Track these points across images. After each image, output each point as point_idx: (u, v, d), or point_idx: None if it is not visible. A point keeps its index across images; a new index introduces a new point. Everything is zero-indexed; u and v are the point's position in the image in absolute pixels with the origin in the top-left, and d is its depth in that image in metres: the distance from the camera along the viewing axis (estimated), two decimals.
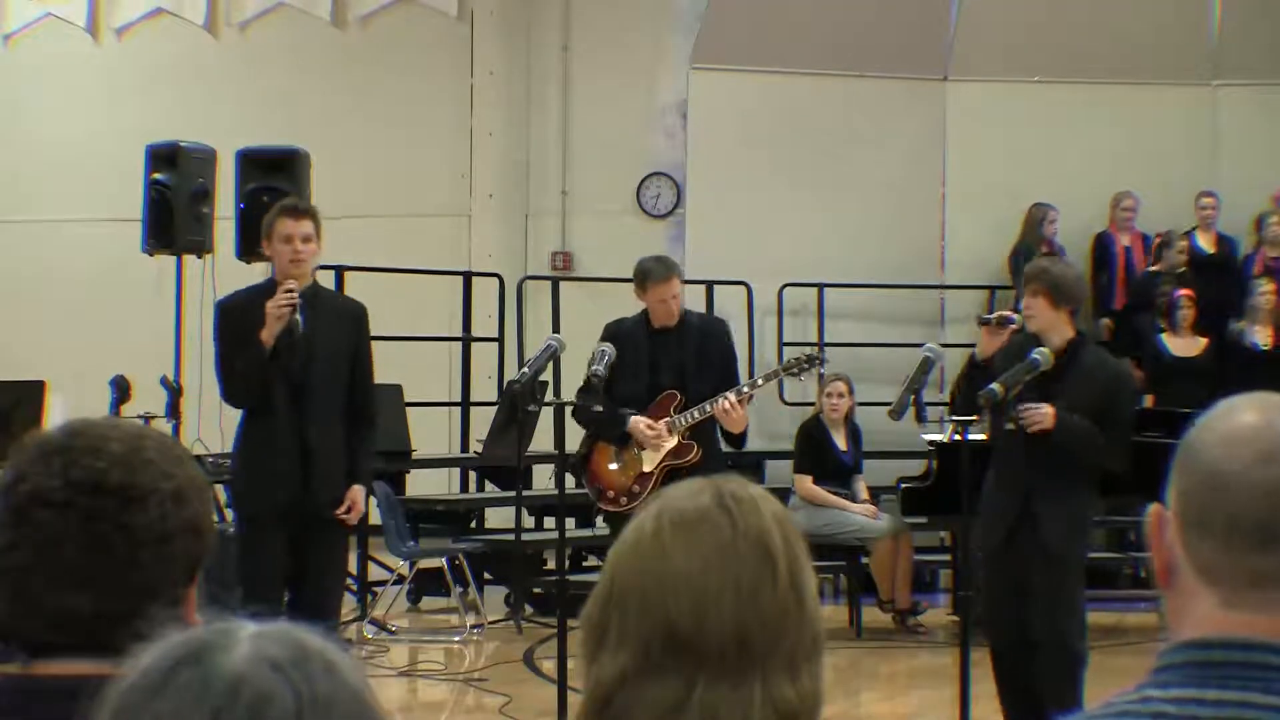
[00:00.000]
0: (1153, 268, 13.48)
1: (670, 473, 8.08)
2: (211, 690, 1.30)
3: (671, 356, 8.17)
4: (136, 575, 1.97)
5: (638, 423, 8.13)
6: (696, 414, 8.09)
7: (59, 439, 2.01)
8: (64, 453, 1.98)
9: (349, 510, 7.33)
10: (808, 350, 8.96)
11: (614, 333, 8.22)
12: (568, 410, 7.45)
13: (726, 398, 8.00)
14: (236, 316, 7.36)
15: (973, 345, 7.47)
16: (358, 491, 7.38)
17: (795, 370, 8.66)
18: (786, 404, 13.35)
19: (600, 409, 7.92)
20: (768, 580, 1.71)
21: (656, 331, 8.18)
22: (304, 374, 7.30)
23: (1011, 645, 7.11)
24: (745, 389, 8.16)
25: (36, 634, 1.95)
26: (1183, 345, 12.73)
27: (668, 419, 8.14)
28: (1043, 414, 6.96)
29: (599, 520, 12.66)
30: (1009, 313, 7.40)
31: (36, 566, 1.96)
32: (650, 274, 8.18)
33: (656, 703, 1.68)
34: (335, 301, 7.83)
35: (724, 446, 8.43)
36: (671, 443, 8.16)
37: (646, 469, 8.20)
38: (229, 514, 7.84)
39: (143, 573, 1.97)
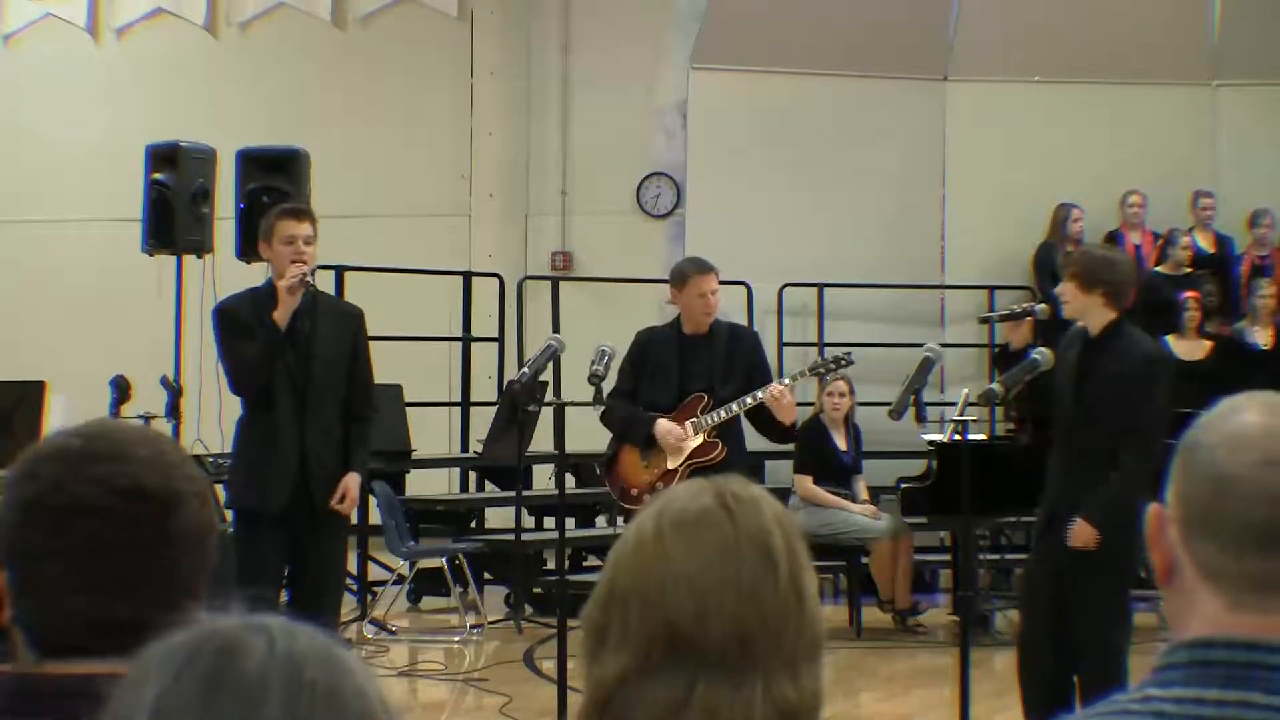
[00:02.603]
0: (1159, 268, 13.48)
1: (694, 471, 8.14)
2: (187, 643, 1.32)
3: (701, 362, 8.25)
4: (176, 578, 1.98)
5: (662, 425, 8.21)
6: (722, 413, 8.18)
7: (84, 445, 2.00)
8: (96, 459, 1.98)
9: (343, 499, 7.35)
10: (837, 351, 9.06)
11: (646, 339, 8.38)
12: (568, 410, 7.46)
13: (776, 384, 8.08)
14: (236, 316, 7.39)
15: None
16: (352, 479, 7.40)
17: (823, 371, 8.88)
18: None
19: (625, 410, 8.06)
20: (769, 580, 1.71)
21: (688, 338, 8.26)
22: (305, 376, 7.34)
23: (1039, 648, 6.96)
24: (787, 380, 8.26)
25: (74, 640, 1.95)
26: (1187, 348, 12.57)
27: (693, 419, 8.22)
28: (1081, 535, 6.76)
29: (601, 520, 12.72)
30: (1027, 304, 7.42)
31: (76, 575, 1.95)
32: (688, 269, 8.32)
33: (657, 703, 1.68)
34: (333, 304, 7.87)
35: (771, 442, 8.55)
36: (696, 442, 8.24)
37: (671, 467, 8.27)
38: (228, 514, 7.84)
39: (181, 575, 1.98)
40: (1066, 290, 6.95)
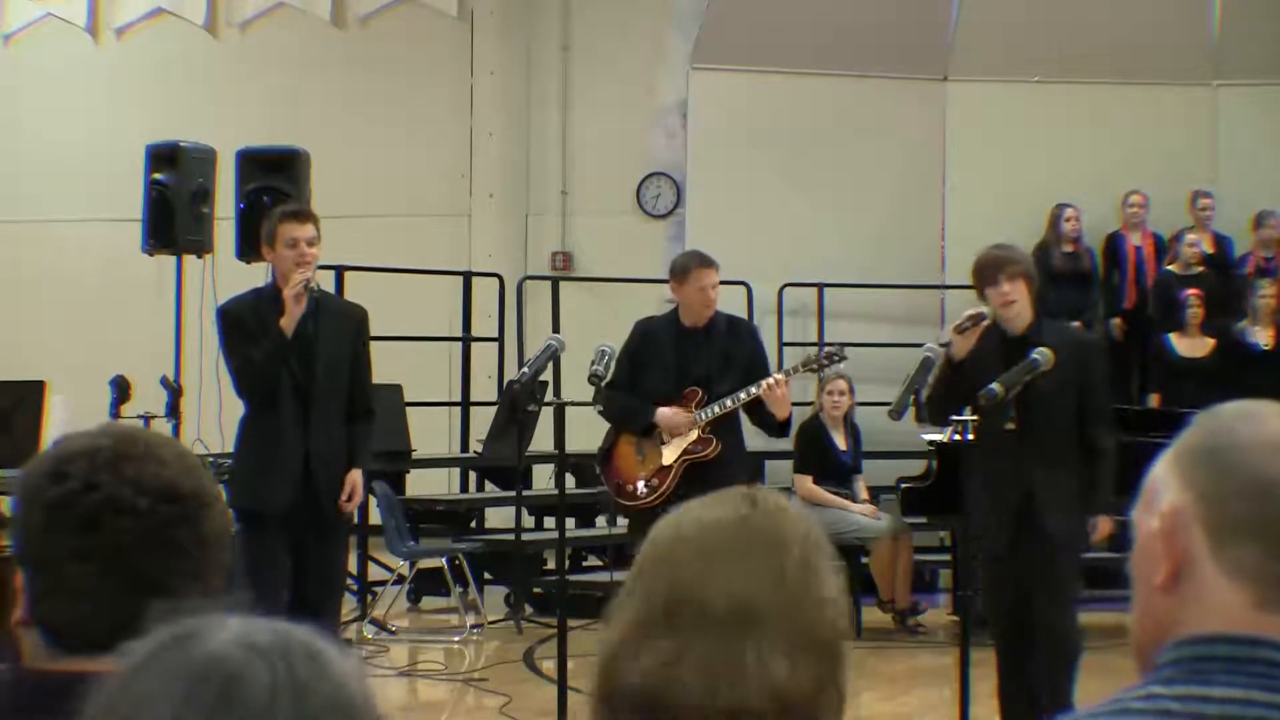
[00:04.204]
0: (1169, 266, 13.50)
1: (690, 467, 8.20)
2: (188, 670, 1.30)
3: (699, 355, 8.30)
4: (204, 578, 2.00)
5: (664, 411, 8.26)
6: (716, 409, 8.21)
7: (113, 446, 2.00)
8: (128, 460, 1.98)
9: (350, 497, 7.35)
10: (829, 347, 9.08)
11: (644, 330, 8.44)
12: (568, 410, 7.47)
13: (764, 382, 8.11)
14: (241, 317, 7.38)
15: None
16: (356, 475, 7.42)
17: (816, 367, 8.89)
18: None
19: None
20: (778, 561, 1.73)
21: (685, 330, 8.28)
22: (308, 377, 7.33)
23: (1015, 645, 7.10)
24: (780, 376, 8.29)
25: (98, 639, 1.95)
26: (1190, 345, 12.71)
27: (690, 414, 8.25)
28: (1105, 530, 7.17)
29: (601, 520, 12.71)
30: (978, 310, 7.42)
31: (107, 576, 1.96)
32: (690, 263, 8.39)
33: (653, 657, 1.68)
34: (336, 305, 7.87)
35: (766, 437, 8.60)
36: (691, 437, 8.27)
37: (666, 462, 8.31)
38: (230, 515, 7.85)
39: (209, 576, 2.01)
40: (1016, 290, 7.08)
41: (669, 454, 8.34)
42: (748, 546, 1.73)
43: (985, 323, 7.23)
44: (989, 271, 7.16)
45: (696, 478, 8.18)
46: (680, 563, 1.72)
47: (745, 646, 1.68)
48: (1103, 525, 7.18)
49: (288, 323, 7.26)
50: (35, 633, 2.01)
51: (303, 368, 7.34)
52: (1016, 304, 7.10)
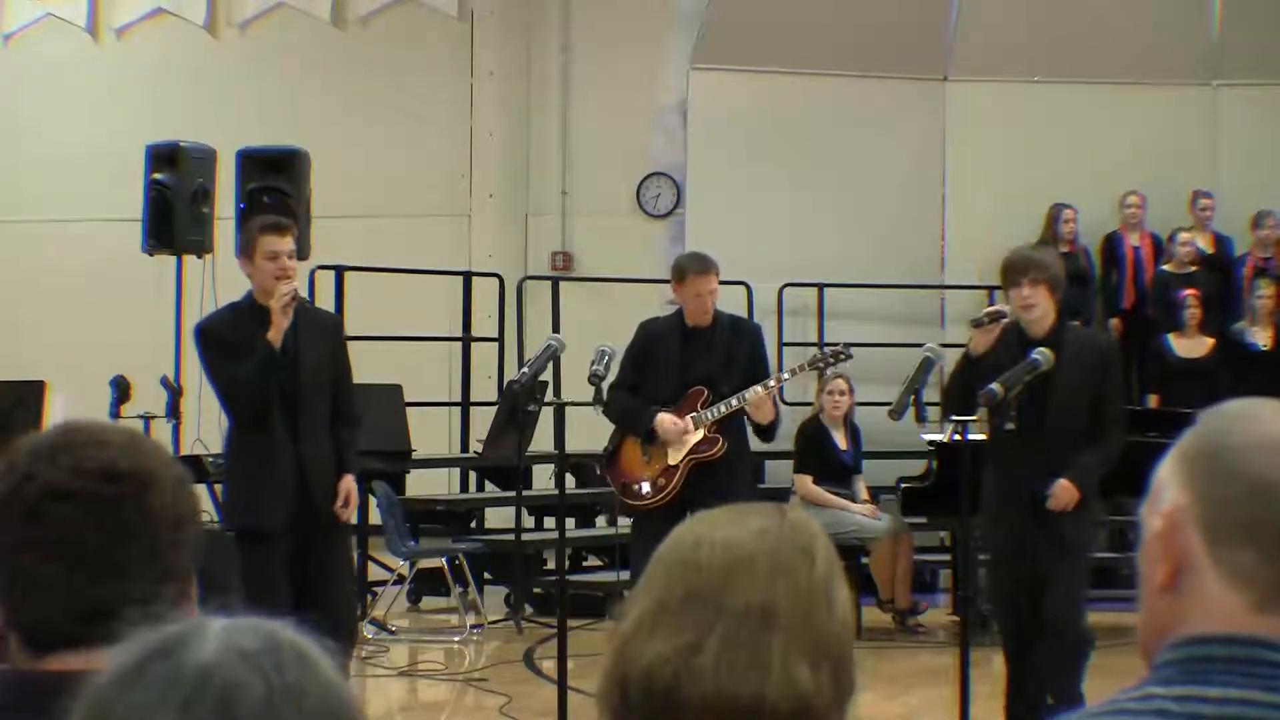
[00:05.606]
0: (1165, 266, 13.52)
1: (695, 466, 8.22)
2: (181, 681, 1.30)
3: (703, 355, 8.33)
4: (158, 559, 1.98)
5: (663, 419, 8.24)
6: (722, 408, 8.25)
7: (56, 438, 2.01)
8: (67, 449, 1.98)
9: (345, 504, 7.34)
10: (834, 346, 9.10)
11: (648, 331, 8.47)
12: (568, 410, 7.47)
13: (756, 389, 8.17)
14: (221, 335, 7.32)
15: None
16: (349, 481, 7.39)
17: (821, 365, 8.90)
18: (787, 404, 13.31)
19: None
20: (804, 567, 1.72)
21: (690, 330, 8.30)
22: (295, 389, 7.30)
23: (1025, 646, 7.07)
24: (772, 383, 8.32)
25: (66, 632, 1.94)
26: (1188, 346, 12.73)
27: (693, 414, 8.27)
28: (1066, 495, 7.04)
29: (601, 520, 12.73)
30: (999, 308, 7.42)
31: (57, 564, 1.95)
32: (688, 268, 8.38)
33: (668, 643, 1.67)
34: (312, 314, 7.87)
35: (753, 442, 8.60)
36: (697, 436, 8.29)
37: (672, 462, 8.33)
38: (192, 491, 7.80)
39: (163, 556, 1.98)
40: (1037, 295, 7.08)
41: (675, 454, 8.35)
42: (773, 557, 1.72)
43: (1005, 320, 7.21)
44: (1014, 273, 7.17)
45: (702, 477, 8.20)
46: (702, 567, 1.71)
47: (771, 641, 1.68)
48: (1060, 490, 7.03)
49: (275, 335, 7.21)
50: (15, 638, 2.00)
51: (288, 380, 7.31)
52: (1036, 308, 7.10)
